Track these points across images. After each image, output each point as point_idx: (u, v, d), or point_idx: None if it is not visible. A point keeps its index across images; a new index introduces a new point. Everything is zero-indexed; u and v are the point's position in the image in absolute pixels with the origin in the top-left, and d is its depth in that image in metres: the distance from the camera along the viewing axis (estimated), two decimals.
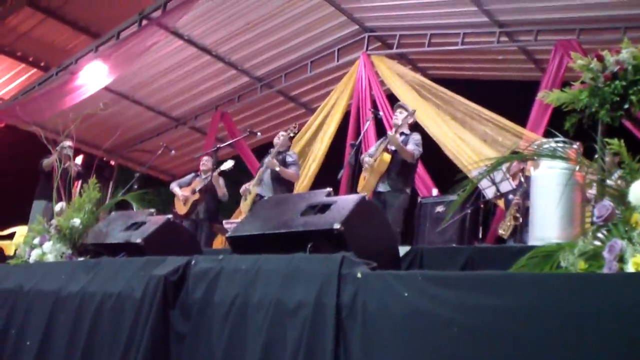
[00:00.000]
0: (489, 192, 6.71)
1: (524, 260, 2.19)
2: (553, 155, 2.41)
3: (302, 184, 9.67)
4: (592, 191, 3.02)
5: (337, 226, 2.80)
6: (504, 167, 6.43)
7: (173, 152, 9.93)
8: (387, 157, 6.49)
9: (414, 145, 6.55)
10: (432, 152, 8.27)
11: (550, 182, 3.64)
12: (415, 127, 7.10)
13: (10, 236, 10.08)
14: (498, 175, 6.50)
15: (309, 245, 2.90)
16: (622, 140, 2.18)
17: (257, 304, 2.62)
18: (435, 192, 8.17)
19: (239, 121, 12.13)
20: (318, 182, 9.68)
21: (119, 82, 10.80)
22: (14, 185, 11.78)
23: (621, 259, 1.89)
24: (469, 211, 6.65)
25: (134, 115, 12.37)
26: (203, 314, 2.87)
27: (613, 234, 1.98)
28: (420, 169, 8.47)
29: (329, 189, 3.28)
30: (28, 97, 11.21)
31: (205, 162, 8.43)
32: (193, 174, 8.68)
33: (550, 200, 3.60)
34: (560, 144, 2.52)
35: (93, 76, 10.01)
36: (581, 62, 3.09)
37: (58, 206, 4.83)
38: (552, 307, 1.75)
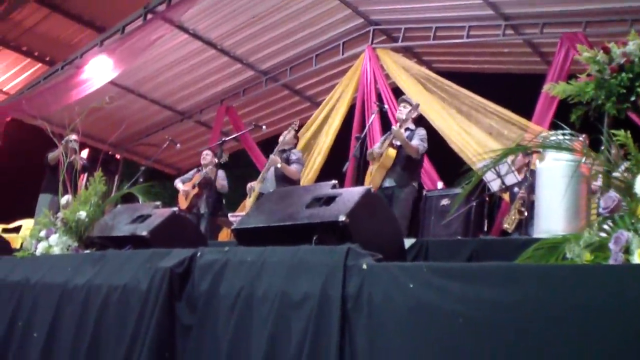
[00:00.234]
0: (494, 185, 6.69)
1: (530, 252, 2.19)
2: (559, 147, 2.41)
3: (307, 177, 9.67)
4: (597, 183, 3.01)
5: (342, 218, 2.80)
6: (509, 159, 6.41)
7: (178, 145, 9.93)
8: (392, 152, 6.50)
9: (418, 140, 6.55)
10: (438, 146, 8.26)
11: (555, 174, 3.64)
12: (420, 120, 7.09)
13: (17, 229, 10.14)
14: (503, 168, 6.48)
15: (315, 238, 2.90)
16: (628, 132, 2.18)
17: (263, 295, 2.63)
18: (440, 185, 8.16)
19: (244, 115, 12.11)
20: (323, 175, 9.67)
21: (124, 76, 10.79)
22: (20, 179, 11.82)
23: (627, 251, 1.88)
24: (474, 204, 6.63)
25: (140, 109, 12.37)
26: (209, 306, 2.87)
27: (619, 226, 1.97)
28: (426, 162, 8.45)
29: (334, 182, 3.28)
30: (34, 92, 11.21)
31: (205, 155, 8.45)
32: (196, 169, 8.72)
33: (555, 192, 3.59)
34: (566, 136, 2.52)
35: (98, 70, 10.02)
36: (587, 55, 3.08)
37: (64, 199, 4.84)
38: (557, 299, 1.74)
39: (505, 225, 6.93)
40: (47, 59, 14.31)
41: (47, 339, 3.59)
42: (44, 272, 3.97)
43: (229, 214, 8.27)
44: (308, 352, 2.34)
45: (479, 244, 4.23)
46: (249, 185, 7.64)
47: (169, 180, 11.89)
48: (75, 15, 13.49)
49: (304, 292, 2.46)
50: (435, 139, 8.09)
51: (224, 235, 9.02)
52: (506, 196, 7.30)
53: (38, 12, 13.23)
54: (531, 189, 6.24)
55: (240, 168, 11.83)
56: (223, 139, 8.05)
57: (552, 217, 3.74)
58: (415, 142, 6.51)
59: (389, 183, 6.51)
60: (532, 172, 6.20)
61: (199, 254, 3.09)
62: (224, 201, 8.79)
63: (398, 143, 6.51)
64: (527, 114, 8.06)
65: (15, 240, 7.85)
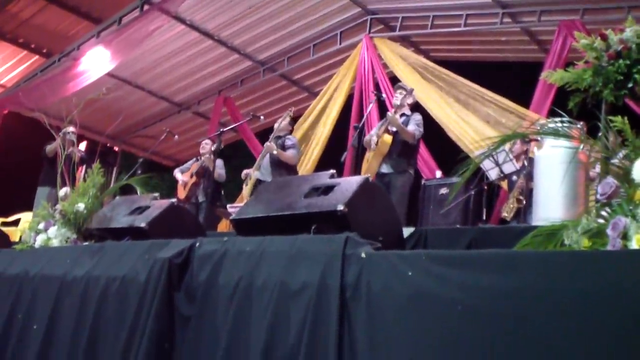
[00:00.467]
0: (492, 174, 6.68)
1: (528, 238, 2.20)
2: (557, 133, 2.41)
3: (305, 168, 9.67)
4: (596, 171, 3.01)
5: (340, 207, 2.79)
6: (507, 147, 6.41)
7: (176, 137, 9.90)
8: (388, 138, 6.51)
9: (414, 125, 6.56)
10: (436, 134, 8.26)
11: (553, 161, 3.63)
12: (417, 108, 7.08)
13: (15, 223, 10.14)
14: (501, 156, 6.48)
15: (313, 227, 2.90)
16: (625, 118, 2.18)
17: (262, 285, 2.63)
18: (438, 174, 8.15)
19: (242, 105, 12.10)
20: (321, 166, 9.65)
21: (121, 68, 10.76)
22: (18, 172, 11.82)
23: (625, 236, 1.89)
24: (473, 193, 6.63)
25: (137, 101, 12.35)
26: (208, 296, 2.88)
27: (617, 212, 1.97)
28: (424, 151, 8.46)
29: (332, 171, 3.28)
30: (31, 84, 11.18)
31: (205, 145, 8.46)
32: (194, 159, 8.72)
33: (554, 180, 3.60)
34: (564, 124, 2.52)
35: (95, 62, 9.99)
36: (585, 41, 3.07)
37: (62, 191, 4.84)
38: (556, 285, 1.75)
39: (504, 214, 6.93)
40: (44, 51, 14.27)
41: (46, 331, 3.60)
42: (42, 265, 3.97)
43: (228, 205, 8.28)
44: (307, 341, 2.34)
45: (477, 233, 4.23)
46: (244, 172, 7.64)
47: (167, 172, 11.89)
48: (72, 7, 13.45)
49: (302, 282, 2.47)
50: (433, 127, 8.09)
51: (223, 226, 9.03)
52: (505, 184, 7.29)
53: (34, 4, 13.19)
54: (529, 177, 6.23)
55: (239, 159, 11.83)
56: (221, 129, 8.04)
57: (551, 205, 3.74)
58: (411, 127, 6.52)
59: (385, 169, 6.53)
60: (531, 161, 6.21)
61: (197, 244, 3.09)
62: (222, 191, 8.79)
63: (394, 129, 6.51)
64: (525, 102, 8.06)
65: (14, 234, 7.85)
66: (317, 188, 3.15)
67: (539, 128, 2.75)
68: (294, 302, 2.46)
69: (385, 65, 9.71)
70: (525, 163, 6.78)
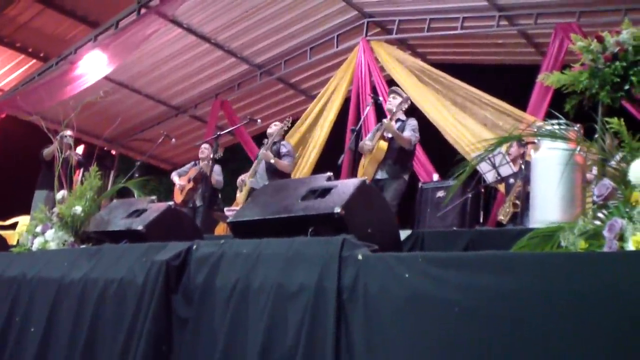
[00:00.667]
0: (489, 177, 6.69)
1: (525, 240, 2.20)
2: (553, 135, 2.41)
3: (302, 170, 9.69)
4: (593, 173, 3.02)
5: (337, 210, 2.79)
6: (504, 150, 6.42)
7: (173, 140, 9.92)
8: (383, 144, 6.51)
9: (410, 131, 6.56)
10: (433, 137, 8.27)
11: (550, 163, 3.64)
12: (414, 112, 7.09)
13: (13, 226, 10.11)
14: (498, 159, 6.49)
15: (310, 230, 2.90)
16: (621, 120, 2.18)
17: (259, 288, 2.63)
18: (436, 177, 8.16)
19: (239, 109, 12.11)
20: (319, 169, 9.66)
21: (118, 71, 10.77)
22: (15, 176, 11.79)
23: (621, 238, 1.89)
24: (470, 196, 6.64)
25: (134, 104, 12.35)
26: (205, 298, 2.88)
27: (613, 213, 1.98)
28: (421, 154, 8.48)
29: (329, 174, 3.28)
30: (28, 88, 11.20)
31: (203, 149, 8.47)
32: (192, 163, 8.72)
33: (550, 182, 3.60)
34: (561, 126, 2.53)
35: (93, 66, 9.99)
36: (581, 44, 3.08)
37: (60, 194, 4.84)
38: (552, 286, 1.75)
39: (500, 217, 6.94)
40: (42, 55, 14.24)
41: (44, 333, 3.59)
42: (40, 267, 3.97)
43: (225, 209, 8.28)
44: (304, 343, 2.34)
45: (474, 235, 4.24)
46: (239, 179, 7.66)
47: (164, 175, 11.88)
48: (69, 11, 13.41)
49: (299, 284, 2.47)
50: (430, 130, 8.10)
51: (221, 229, 9.03)
52: (502, 187, 7.30)
53: (32, 7, 13.15)
54: (526, 180, 6.24)
55: (236, 162, 11.84)
56: (218, 132, 8.04)
57: (547, 207, 3.74)
58: (407, 133, 6.52)
59: (380, 175, 6.55)
60: (528, 164, 6.21)
61: (194, 246, 3.09)
62: (219, 195, 8.80)
63: (389, 135, 6.51)
64: (522, 105, 8.07)
65: (11, 237, 7.84)
66: (314, 190, 3.15)
67: (535, 130, 2.76)
68: (291, 304, 2.46)
69: (382, 69, 9.73)
70: (522, 166, 6.79)
